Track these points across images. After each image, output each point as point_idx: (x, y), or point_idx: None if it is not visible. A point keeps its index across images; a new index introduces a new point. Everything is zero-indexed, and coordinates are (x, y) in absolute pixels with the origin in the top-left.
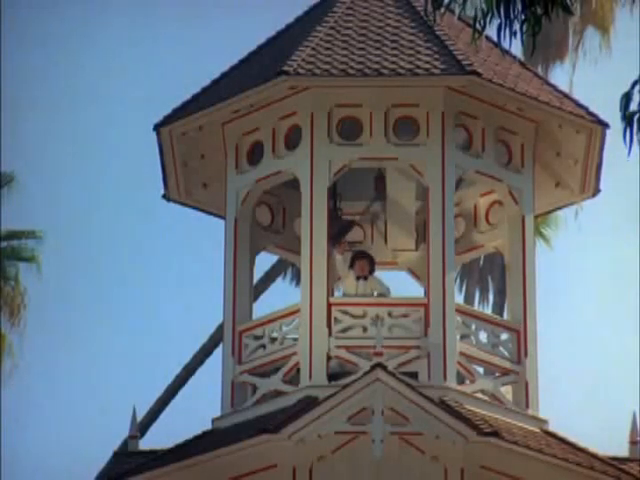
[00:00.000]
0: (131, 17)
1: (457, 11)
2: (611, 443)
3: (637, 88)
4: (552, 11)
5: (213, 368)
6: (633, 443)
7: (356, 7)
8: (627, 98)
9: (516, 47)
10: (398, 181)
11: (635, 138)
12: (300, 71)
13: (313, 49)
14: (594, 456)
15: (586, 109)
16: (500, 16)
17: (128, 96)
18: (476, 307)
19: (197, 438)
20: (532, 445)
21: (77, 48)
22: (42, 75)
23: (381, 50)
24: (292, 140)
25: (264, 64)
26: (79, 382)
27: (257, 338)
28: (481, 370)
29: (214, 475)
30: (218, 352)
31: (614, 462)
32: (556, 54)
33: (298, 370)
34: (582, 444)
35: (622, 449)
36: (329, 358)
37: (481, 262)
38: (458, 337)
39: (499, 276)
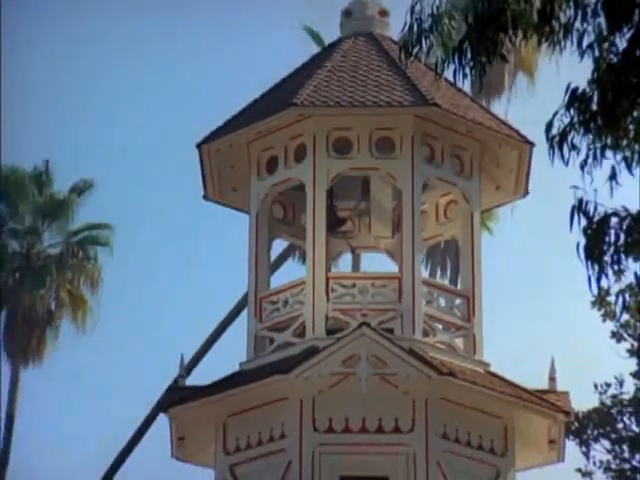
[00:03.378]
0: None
1: (423, 58)
2: (535, 380)
3: (557, 117)
4: (493, 59)
5: (241, 325)
6: (551, 379)
7: (347, 56)
8: (549, 125)
9: (466, 85)
10: (379, 186)
11: (556, 153)
12: (305, 103)
13: (315, 87)
14: (523, 389)
15: (518, 132)
16: (455, 63)
17: (177, 122)
18: (437, 280)
19: (228, 377)
20: (478, 381)
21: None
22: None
23: (366, 87)
24: (299, 155)
25: (279, 98)
26: (143, 335)
27: (273, 303)
28: (440, 327)
29: (240, 405)
30: (244, 313)
31: (537, 393)
32: (496, 91)
33: (304, 327)
34: (515, 381)
35: (543, 384)
36: (327, 318)
37: (441, 246)
38: (423, 302)
39: (454, 257)
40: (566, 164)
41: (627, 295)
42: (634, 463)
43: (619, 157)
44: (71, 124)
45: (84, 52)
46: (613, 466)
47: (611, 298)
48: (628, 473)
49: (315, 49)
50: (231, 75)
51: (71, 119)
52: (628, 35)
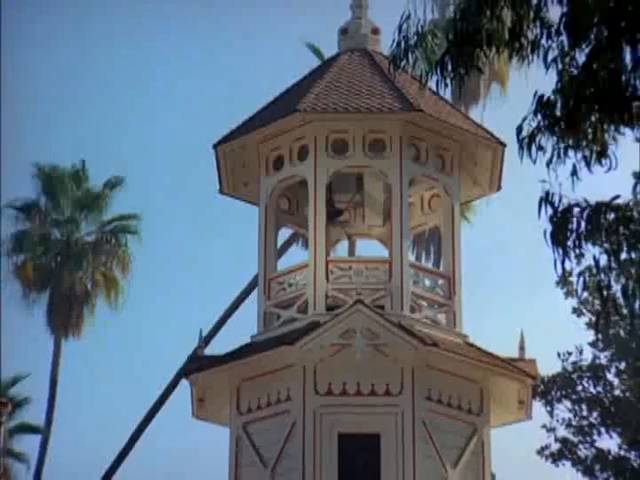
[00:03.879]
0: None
1: (409, 70)
2: (507, 350)
3: (526, 122)
4: (470, 71)
5: (252, 303)
6: (521, 349)
7: (344, 68)
8: (519, 128)
9: (447, 94)
10: (371, 181)
11: (525, 153)
12: (308, 110)
13: (316, 95)
14: (497, 357)
15: (492, 134)
16: (437, 74)
17: (194, 126)
18: (423, 263)
19: (241, 348)
20: (458, 351)
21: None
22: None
23: (360, 96)
24: (302, 154)
25: (284, 105)
26: (167, 311)
27: (280, 283)
28: (425, 304)
29: (252, 371)
30: (255, 293)
31: (509, 361)
32: (472, 98)
33: (306, 304)
34: (490, 350)
35: (514, 353)
36: (327, 296)
37: (426, 234)
38: (410, 282)
39: (437, 243)
40: (534, 162)
41: (587, 276)
42: (591, 420)
43: (579, 156)
44: (104, 127)
45: (117, 66)
46: (573, 423)
47: (573, 278)
48: (586, 429)
49: (316, 62)
50: (243, 84)
51: (104, 123)
52: (586, 51)
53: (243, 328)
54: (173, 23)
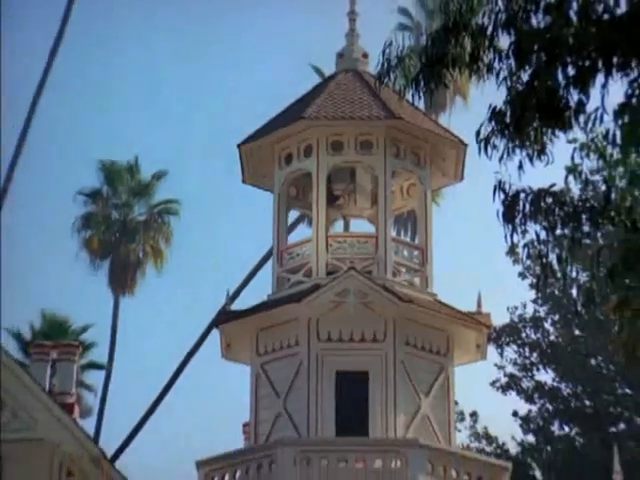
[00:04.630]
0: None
1: (391, 86)
2: (468, 305)
3: (483, 126)
4: (439, 87)
5: (267, 269)
6: (479, 305)
7: (340, 85)
8: (478, 132)
9: (421, 104)
10: (362, 173)
11: (482, 151)
12: (311, 117)
13: (318, 106)
14: (459, 311)
15: (456, 136)
16: (413, 89)
17: (221, 127)
18: (402, 238)
19: (259, 304)
20: (429, 306)
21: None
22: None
23: (352, 106)
24: (307, 152)
25: (293, 113)
26: (202, 275)
27: (290, 254)
28: (404, 269)
29: (268, 322)
30: (270, 261)
31: (469, 314)
32: (441, 108)
33: (310, 270)
34: (454, 305)
35: (473, 308)
36: (327, 264)
37: (404, 215)
38: (392, 253)
39: (413, 222)
40: (489, 158)
41: (530, 247)
42: (532, 359)
43: (524, 153)
44: (153, 131)
45: (164, 83)
46: (518, 362)
47: (519, 249)
48: (528, 366)
49: (317, 80)
50: (261, 96)
51: (154, 129)
52: (529, 72)
53: (261, 289)
54: (207, 44)
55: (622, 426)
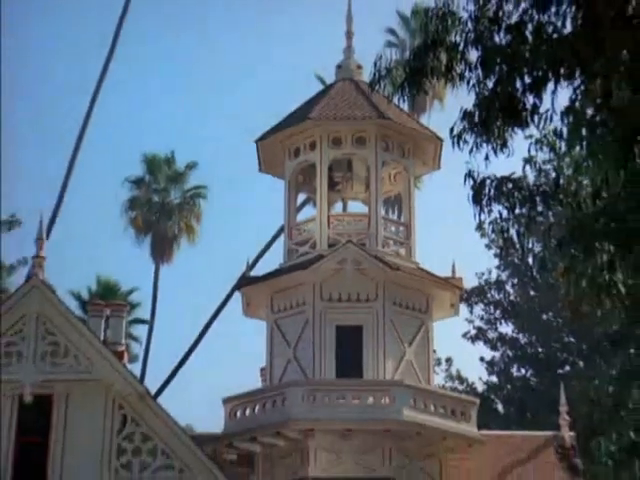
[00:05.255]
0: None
1: (381, 92)
2: (444, 271)
3: (456, 125)
4: (420, 92)
5: (280, 242)
6: (453, 271)
7: (339, 91)
8: (452, 129)
9: (405, 107)
10: (357, 164)
11: (456, 145)
12: (316, 117)
13: (321, 108)
14: (437, 276)
15: (434, 133)
16: (399, 94)
17: (240, 125)
18: (390, 216)
19: (273, 271)
20: (413, 272)
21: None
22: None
23: (350, 108)
24: (312, 147)
25: (300, 114)
26: (226, 245)
27: (298, 230)
28: (392, 242)
29: (280, 286)
30: (282, 236)
31: (445, 278)
32: (422, 110)
33: (315, 243)
34: (433, 272)
35: (448, 273)
36: (329, 238)
37: (392, 197)
38: (382, 229)
39: (399, 203)
40: (461, 151)
41: (494, 224)
42: (496, 315)
43: (490, 147)
44: (188, 128)
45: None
46: (484, 317)
47: (486, 225)
48: (492, 321)
49: (320, 87)
50: (274, 101)
51: (188, 126)
52: (493, 80)
53: (275, 259)
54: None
55: (567, 368)
